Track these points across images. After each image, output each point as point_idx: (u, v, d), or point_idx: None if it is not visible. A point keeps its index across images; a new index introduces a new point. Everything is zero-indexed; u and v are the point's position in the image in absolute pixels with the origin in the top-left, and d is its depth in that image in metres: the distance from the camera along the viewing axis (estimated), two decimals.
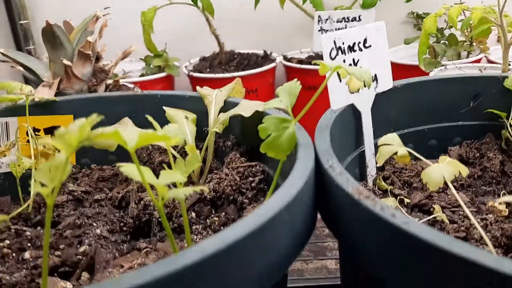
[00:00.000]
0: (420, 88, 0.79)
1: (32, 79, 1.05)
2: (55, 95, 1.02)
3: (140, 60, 1.54)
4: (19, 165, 0.62)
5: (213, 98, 0.74)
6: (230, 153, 0.68)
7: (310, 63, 1.38)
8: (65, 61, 0.98)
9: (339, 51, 0.67)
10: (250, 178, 0.64)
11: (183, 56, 1.59)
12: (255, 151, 0.68)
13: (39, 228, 0.62)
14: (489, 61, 1.36)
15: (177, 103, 0.76)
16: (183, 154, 0.74)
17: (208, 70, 1.42)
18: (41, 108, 0.77)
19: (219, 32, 1.54)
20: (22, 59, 1.03)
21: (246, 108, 0.67)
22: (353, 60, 0.69)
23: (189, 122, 0.72)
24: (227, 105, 0.73)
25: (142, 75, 1.46)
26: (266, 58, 1.50)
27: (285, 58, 1.48)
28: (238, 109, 0.67)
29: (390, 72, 0.74)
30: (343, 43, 0.68)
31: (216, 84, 1.31)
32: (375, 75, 0.71)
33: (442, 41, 1.45)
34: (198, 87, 0.78)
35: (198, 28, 1.54)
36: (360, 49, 0.69)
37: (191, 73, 1.34)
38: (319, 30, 1.27)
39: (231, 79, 1.33)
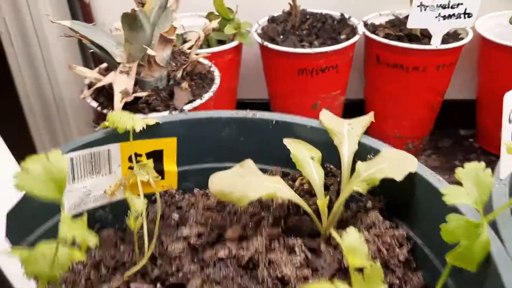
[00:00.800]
0: None
1: (102, 56, 0.94)
2: (134, 84, 0.91)
3: (200, 16, 1.40)
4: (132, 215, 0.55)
5: (345, 137, 0.64)
6: (370, 211, 0.60)
7: (397, 37, 1.23)
8: (150, 51, 0.86)
9: None
10: (397, 250, 0.56)
11: (249, 14, 1.43)
12: (393, 206, 0.60)
13: (158, 286, 0.56)
14: None
15: (295, 131, 0.67)
16: (304, 193, 0.66)
17: (281, 37, 1.27)
18: (142, 131, 0.67)
19: None
20: (90, 34, 0.91)
21: (395, 165, 0.57)
22: None
23: (316, 163, 0.63)
24: (362, 149, 0.63)
25: (208, 38, 1.32)
26: (344, 22, 1.34)
27: (365, 25, 1.32)
28: (385, 167, 0.57)
29: None
30: None
31: (294, 60, 1.19)
32: None
33: None
34: (322, 117, 0.67)
35: None
36: None
37: (265, 42, 1.20)
38: (418, 6, 1.11)
39: (314, 56, 1.22)
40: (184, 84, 0.98)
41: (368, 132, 1.61)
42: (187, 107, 0.93)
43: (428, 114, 1.33)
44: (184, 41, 1.36)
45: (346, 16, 1.34)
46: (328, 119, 0.68)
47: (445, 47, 1.16)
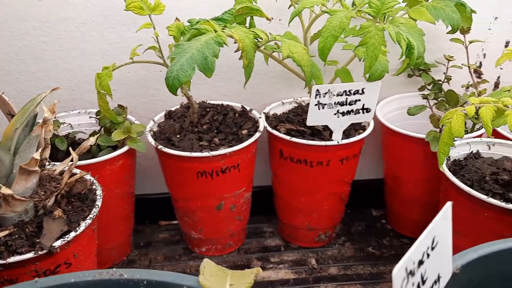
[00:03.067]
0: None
1: None
2: None
3: (89, 114, 1.28)
4: None
5: None
6: None
7: (299, 132, 1.19)
8: (4, 189, 0.73)
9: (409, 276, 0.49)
10: None
11: (143, 108, 1.34)
12: None
13: None
14: (496, 133, 1.24)
15: None
16: None
17: (178, 136, 1.18)
18: None
19: None
20: None
21: None
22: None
23: None
24: None
25: (94, 133, 1.20)
26: (245, 115, 1.29)
27: (267, 118, 1.27)
28: None
29: None
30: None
31: (192, 163, 1.10)
32: None
33: (440, 98, 1.31)
34: (201, 278, 0.57)
35: (159, 75, 1.30)
36: None
37: (159, 146, 1.11)
38: (316, 105, 1.08)
39: (213, 158, 1.14)
40: (57, 212, 0.85)
41: (278, 225, 1.53)
42: (57, 243, 0.80)
43: (337, 205, 1.29)
44: (73, 142, 1.23)
45: (247, 108, 1.29)
46: (208, 276, 0.59)
47: (346, 142, 1.13)
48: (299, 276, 1.25)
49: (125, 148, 1.10)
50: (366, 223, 1.47)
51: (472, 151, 1.17)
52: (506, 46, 1.39)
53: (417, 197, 1.32)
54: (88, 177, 0.96)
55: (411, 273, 0.50)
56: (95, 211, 0.88)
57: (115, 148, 1.17)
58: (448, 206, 0.57)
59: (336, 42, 1.15)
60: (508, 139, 1.19)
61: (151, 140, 1.14)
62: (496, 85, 1.43)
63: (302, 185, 1.22)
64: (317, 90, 1.06)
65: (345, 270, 1.27)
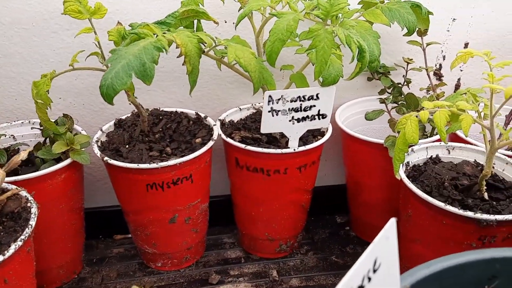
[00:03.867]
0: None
1: None
2: None
3: (33, 124, 1.20)
4: None
5: None
6: None
7: (254, 140, 1.14)
8: None
9: None
10: None
11: (93, 116, 1.27)
12: None
13: None
14: (456, 137, 1.22)
15: None
16: None
17: (127, 146, 1.12)
18: None
19: (138, 86, 1.24)
20: None
21: None
22: None
23: None
24: None
25: (38, 145, 1.13)
26: (200, 123, 1.23)
27: (223, 125, 1.22)
28: None
29: None
30: None
31: (141, 175, 1.04)
32: None
33: (400, 101, 1.28)
34: None
35: None
36: None
37: (105, 158, 1.04)
38: (269, 111, 1.03)
39: (163, 170, 1.08)
40: None
41: (239, 236, 1.48)
42: None
43: (298, 214, 1.25)
44: (15, 155, 1.15)
45: (202, 115, 1.23)
46: None
47: (303, 149, 1.09)
48: None
49: (67, 161, 1.03)
50: (330, 230, 1.43)
51: (431, 156, 1.14)
52: (465, 48, 1.37)
53: (380, 203, 1.29)
54: (24, 193, 0.90)
55: None
56: (27, 231, 0.81)
57: (60, 161, 1.10)
58: (391, 223, 0.53)
59: (291, 46, 1.11)
60: (468, 142, 1.17)
61: (97, 151, 1.07)
62: (457, 87, 1.42)
63: (260, 194, 1.17)
64: (270, 96, 1.01)
65: (307, 281, 1.23)
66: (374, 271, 0.50)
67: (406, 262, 1.09)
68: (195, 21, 1.00)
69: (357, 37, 0.87)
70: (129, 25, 0.97)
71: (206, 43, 0.87)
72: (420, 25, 1.18)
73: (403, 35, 1.15)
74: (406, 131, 0.86)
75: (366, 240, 1.37)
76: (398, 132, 1.15)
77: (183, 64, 0.86)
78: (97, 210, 1.36)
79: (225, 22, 1.20)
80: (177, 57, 0.85)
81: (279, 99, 1.02)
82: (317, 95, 1.03)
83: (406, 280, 0.59)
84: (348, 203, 1.40)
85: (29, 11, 1.12)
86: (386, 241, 0.52)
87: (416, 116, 0.88)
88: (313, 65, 1.02)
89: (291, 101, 1.03)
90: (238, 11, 1.07)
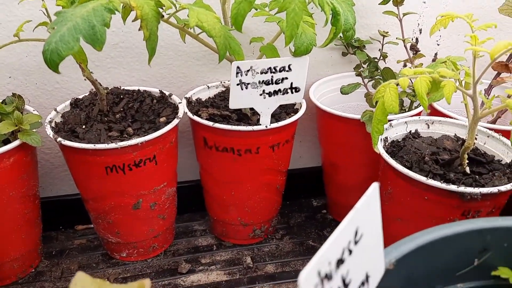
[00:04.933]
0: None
1: None
2: None
3: None
4: None
5: None
6: None
7: (223, 117, 1.06)
8: None
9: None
10: None
11: (48, 97, 1.17)
12: None
13: None
14: (435, 111, 1.16)
15: None
16: None
17: (84, 126, 1.02)
18: None
19: (97, 64, 1.15)
20: None
21: None
22: None
23: None
24: None
25: None
26: (164, 101, 1.14)
27: (189, 103, 1.13)
28: None
29: None
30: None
31: (99, 157, 0.95)
32: None
33: (376, 76, 1.22)
34: None
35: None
36: None
37: (58, 138, 0.95)
38: (238, 84, 0.95)
39: (123, 150, 0.98)
40: None
41: (210, 222, 1.39)
42: None
43: (273, 196, 1.18)
44: None
45: (166, 93, 1.15)
46: None
47: (276, 126, 1.01)
48: (232, 277, 1.13)
49: (16, 142, 0.93)
50: (306, 214, 1.37)
51: (410, 131, 1.08)
52: None
53: (357, 184, 1.22)
54: None
55: (327, 277, 0.39)
56: None
57: (8, 143, 0.99)
58: (373, 188, 0.46)
59: (260, 16, 1.04)
60: (446, 116, 1.12)
61: (49, 132, 0.97)
62: (434, 61, 1.37)
63: (231, 176, 1.10)
64: (238, 68, 0.93)
65: (283, 267, 1.16)
66: (356, 242, 0.43)
67: (386, 241, 1.04)
68: None
69: None
70: None
71: (164, 6, 0.78)
72: None
73: (379, 4, 1.09)
74: (385, 99, 0.80)
75: None
76: (376, 103, 1.10)
77: (139, 30, 0.77)
78: (56, 199, 1.26)
79: None
80: (133, 20, 0.77)
81: (248, 71, 0.94)
82: (289, 66, 0.96)
83: (391, 255, 0.52)
84: (325, 185, 1.34)
85: None
86: (368, 207, 0.46)
87: (396, 84, 0.82)
88: (284, 33, 0.95)
89: (261, 72, 0.95)
90: None
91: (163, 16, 0.81)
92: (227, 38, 0.84)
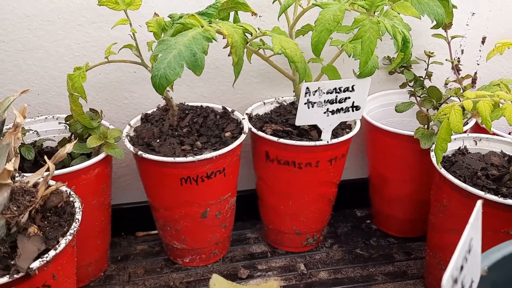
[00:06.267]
0: None
1: None
2: None
3: (58, 119, 1.18)
4: None
5: None
6: None
7: (285, 133, 1.14)
8: None
9: None
10: None
11: (117, 112, 1.25)
12: None
13: None
14: (479, 129, 1.23)
15: None
16: None
17: (158, 140, 1.10)
18: None
19: None
20: None
21: None
22: None
23: None
24: None
25: (64, 140, 1.11)
26: (227, 117, 1.22)
27: (250, 118, 1.21)
28: None
29: None
30: None
31: (176, 169, 1.02)
32: None
33: (422, 94, 1.29)
34: None
35: (133, 76, 1.21)
36: None
37: (139, 152, 1.03)
38: (306, 103, 1.03)
39: (198, 163, 1.07)
40: (32, 229, 0.76)
41: (263, 231, 1.46)
42: (35, 264, 0.71)
43: (325, 207, 1.25)
44: (40, 150, 1.13)
45: (229, 109, 1.23)
46: None
47: (336, 141, 1.09)
48: (289, 282, 1.20)
49: (101, 155, 1.01)
50: (352, 224, 1.44)
51: (459, 147, 1.15)
52: (483, 42, 1.39)
53: (403, 196, 1.30)
54: (64, 188, 0.87)
55: (455, 281, 0.46)
56: (75, 225, 0.80)
57: (88, 155, 1.08)
58: (479, 206, 0.53)
59: (335, 45, 1.11)
60: (493, 134, 1.19)
61: (129, 145, 1.05)
62: (474, 80, 1.44)
63: (290, 188, 1.17)
64: (307, 88, 1.01)
65: (335, 274, 1.23)
66: (469, 251, 0.51)
67: (440, 252, 1.11)
68: (231, 13, 1.00)
69: (401, 28, 0.88)
70: (168, 16, 0.96)
71: (251, 34, 0.86)
72: (445, 18, 1.20)
73: (431, 28, 1.16)
74: (451, 120, 0.87)
75: (388, 233, 1.38)
76: (429, 123, 1.17)
77: (228, 55, 0.85)
78: (118, 207, 1.34)
79: (257, 14, 1.19)
80: (224, 47, 0.84)
81: (315, 91, 1.02)
82: (352, 86, 1.04)
83: (483, 262, 0.59)
84: (370, 196, 1.41)
85: (55, 3, 1.10)
86: (476, 221, 0.53)
87: (459, 106, 0.89)
88: (349, 56, 1.03)
89: (327, 92, 1.03)
90: (273, 3, 1.06)
91: (247, 43, 0.89)
92: (305, 62, 0.92)
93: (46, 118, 1.17)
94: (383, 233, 1.39)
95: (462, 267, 0.48)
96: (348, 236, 1.38)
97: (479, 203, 0.54)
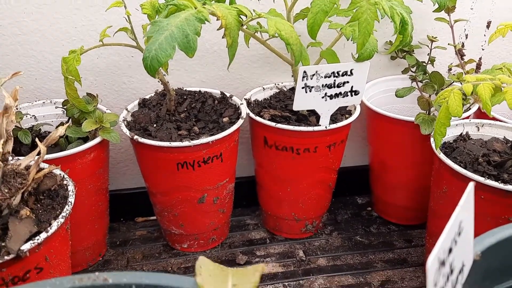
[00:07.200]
0: None
1: None
2: None
3: (55, 104, 1.17)
4: None
5: None
6: None
7: (284, 118, 1.13)
8: None
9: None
10: None
11: (114, 96, 1.24)
12: None
13: None
14: (481, 115, 1.21)
15: None
16: None
17: (155, 125, 1.10)
18: None
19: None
20: None
21: None
22: None
23: None
24: None
25: (61, 125, 1.10)
26: (225, 102, 1.21)
27: (249, 104, 1.20)
28: None
29: None
30: None
31: (172, 153, 1.02)
32: None
33: (424, 79, 1.27)
34: (199, 280, 0.50)
35: (131, 61, 1.20)
36: None
37: (135, 136, 1.02)
38: (303, 88, 1.01)
39: (195, 148, 1.06)
40: (24, 211, 0.76)
41: (263, 217, 1.45)
42: (26, 246, 0.71)
43: (325, 193, 1.24)
44: (38, 135, 1.13)
45: (227, 94, 1.21)
46: (206, 276, 0.52)
47: (334, 127, 1.07)
48: (287, 269, 1.19)
49: (97, 140, 1.01)
50: (352, 211, 1.43)
51: (461, 133, 1.13)
52: (487, 27, 1.36)
53: (404, 183, 1.28)
54: (57, 171, 0.87)
55: (443, 263, 0.44)
56: (67, 208, 0.79)
57: (85, 140, 1.07)
58: (471, 188, 0.52)
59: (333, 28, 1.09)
60: (495, 119, 1.16)
61: (125, 130, 1.05)
62: (478, 65, 1.41)
63: (288, 173, 1.16)
64: (304, 72, 0.99)
65: (334, 260, 1.23)
66: (459, 234, 0.49)
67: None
68: None
69: (399, 9, 0.86)
70: None
71: (245, 16, 0.85)
72: (448, 1, 1.17)
73: (433, 11, 1.14)
74: (450, 104, 0.85)
75: (389, 220, 1.37)
76: (429, 108, 1.15)
77: (222, 37, 0.84)
78: (118, 192, 1.34)
79: None
80: (218, 29, 0.83)
81: (313, 75, 1.00)
82: (351, 70, 1.02)
83: (476, 247, 0.58)
84: (371, 183, 1.40)
85: None
86: (468, 203, 0.51)
87: (459, 90, 0.87)
88: (347, 39, 1.01)
89: (325, 77, 1.01)
90: None
91: (243, 25, 0.87)
92: (301, 44, 0.90)
93: (43, 102, 1.17)
94: (383, 220, 1.38)
95: (450, 250, 0.47)
96: (348, 223, 1.37)
97: (471, 185, 0.52)
